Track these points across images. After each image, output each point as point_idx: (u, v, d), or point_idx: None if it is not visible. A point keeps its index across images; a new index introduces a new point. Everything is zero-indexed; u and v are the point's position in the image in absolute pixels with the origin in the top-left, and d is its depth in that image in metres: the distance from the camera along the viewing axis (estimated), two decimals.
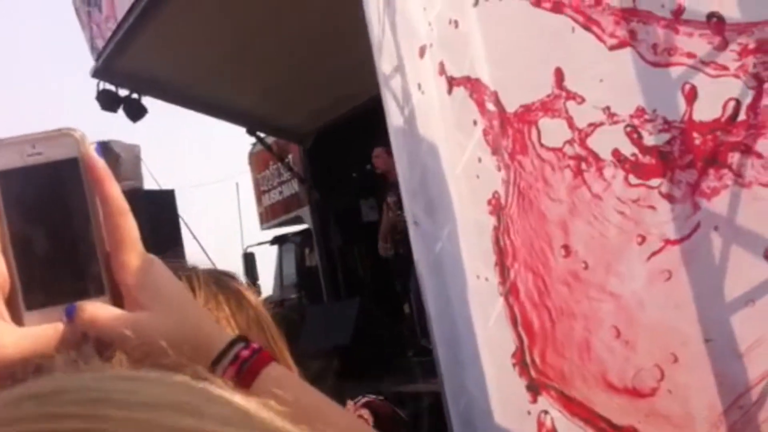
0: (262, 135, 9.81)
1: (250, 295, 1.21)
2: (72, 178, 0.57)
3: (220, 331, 0.64)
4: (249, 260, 11.55)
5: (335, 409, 0.66)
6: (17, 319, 0.55)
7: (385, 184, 6.80)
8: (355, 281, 9.73)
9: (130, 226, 0.59)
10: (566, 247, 2.07)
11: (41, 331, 0.55)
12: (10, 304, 0.55)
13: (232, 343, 0.61)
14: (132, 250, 0.58)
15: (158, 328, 0.56)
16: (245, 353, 0.61)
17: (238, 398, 0.32)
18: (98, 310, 0.56)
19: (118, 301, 0.58)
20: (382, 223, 7.13)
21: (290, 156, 10.71)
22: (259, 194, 12.60)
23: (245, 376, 0.59)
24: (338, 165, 8.89)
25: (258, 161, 12.35)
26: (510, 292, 2.36)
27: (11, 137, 0.56)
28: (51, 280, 0.56)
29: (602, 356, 2.00)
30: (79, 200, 0.57)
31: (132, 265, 0.58)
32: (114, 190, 0.58)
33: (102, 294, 0.57)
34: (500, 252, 2.38)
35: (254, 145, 11.60)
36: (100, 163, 0.58)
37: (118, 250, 0.58)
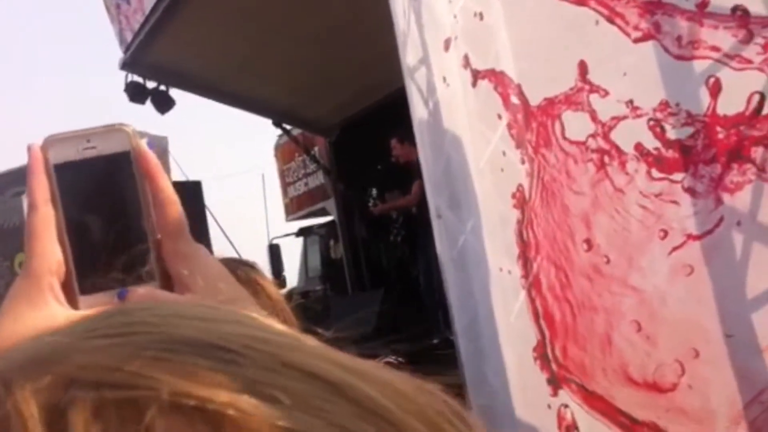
0: (288, 127, 9.85)
1: (267, 285, 1.22)
2: (124, 170, 0.60)
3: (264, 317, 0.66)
4: (274, 252, 11.60)
5: None
6: (72, 303, 0.58)
7: (412, 172, 6.74)
8: (380, 273, 9.76)
9: (179, 216, 0.61)
10: (588, 241, 2.07)
11: None
12: (66, 288, 0.58)
13: None
14: (182, 238, 0.61)
15: None
16: None
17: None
18: (150, 294, 0.59)
19: (167, 287, 0.60)
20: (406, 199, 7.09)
21: (316, 148, 10.74)
22: (285, 186, 12.65)
23: None
24: (363, 157, 8.91)
25: (284, 153, 12.40)
26: (533, 285, 2.36)
27: (67, 132, 0.60)
28: (104, 266, 0.59)
29: (623, 351, 2.00)
30: (131, 191, 0.60)
31: (182, 253, 0.61)
32: (164, 182, 0.61)
33: (153, 280, 0.60)
34: (523, 245, 2.38)
35: (280, 136, 11.64)
36: (151, 156, 0.61)
37: (169, 238, 0.61)
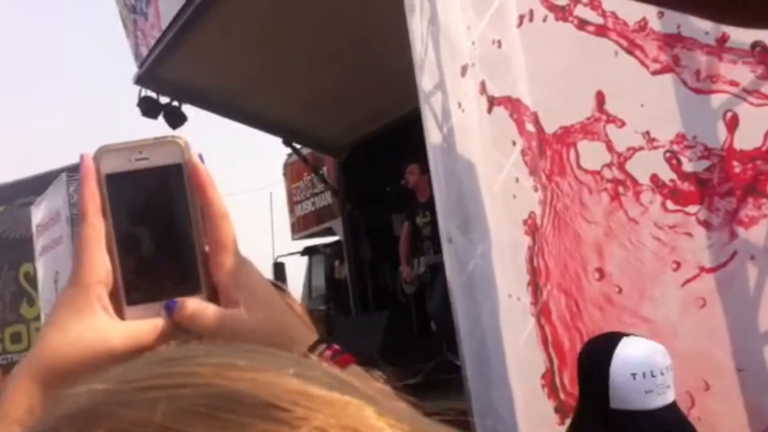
0: (297, 146, 9.88)
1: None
2: (175, 182, 0.60)
3: (305, 331, 0.66)
4: (279, 270, 11.58)
5: None
6: (120, 313, 0.59)
7: (414, 201, 6.84)
8: (384, 295, 9.72)
9: (229, 229, 0.62)
10: (600, 270, 2.07)
11: (142, 325, 0.59)
12: (113, 298, 0.59)
13: (316, 343, 0.64)
14: (230, 251, 0.61)
15: (253, 324, 0.59)
16: (328, 353, 0.63)
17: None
18: (197, 305, 0.60)
19: (213, 299, 0.61)
20: (402, 244, 7.16)
21: (324, 168, 10.76)
22: (292, 204, 12.66)
23: None
24: (372, 179, 8.93)
25: (292, 172, 12.42)
26: (542, 312, 2.36)
27: (120, 143, 0.61)
28: (152, 277, 0.60)
29: None
30: (181, 203, 0.60)
31: (229, 265, 0.61)
32: (215, 195, 0.62)
33: (199, 292, 0.60)
34: (534, 272, 2.38)
35: (289, 155, 11.66)
36: (203, 169, 0.61)
37: (217, 251, 0.61)
